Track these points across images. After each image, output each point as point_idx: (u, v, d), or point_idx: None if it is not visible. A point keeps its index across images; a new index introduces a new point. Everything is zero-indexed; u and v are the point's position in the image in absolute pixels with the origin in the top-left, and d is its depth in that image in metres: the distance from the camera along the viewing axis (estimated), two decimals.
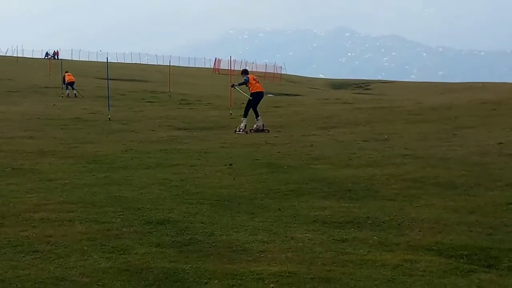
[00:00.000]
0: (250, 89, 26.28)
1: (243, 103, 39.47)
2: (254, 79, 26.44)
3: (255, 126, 25.70)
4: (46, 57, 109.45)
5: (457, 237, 9.07)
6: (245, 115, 25.60)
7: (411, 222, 9.98)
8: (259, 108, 26.10)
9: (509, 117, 25.02)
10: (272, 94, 58.70)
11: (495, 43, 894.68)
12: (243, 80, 26.39)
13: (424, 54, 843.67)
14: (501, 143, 18.53)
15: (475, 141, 19.55)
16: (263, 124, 25.87)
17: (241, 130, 25.19)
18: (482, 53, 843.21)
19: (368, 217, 10.36)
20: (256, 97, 26.02)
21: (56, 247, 8.45)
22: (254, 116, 25.71)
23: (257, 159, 17.01)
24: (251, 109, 25.79)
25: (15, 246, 8.46)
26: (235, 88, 27.35)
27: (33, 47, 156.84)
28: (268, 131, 25.45)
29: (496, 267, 7.83)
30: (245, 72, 27.45)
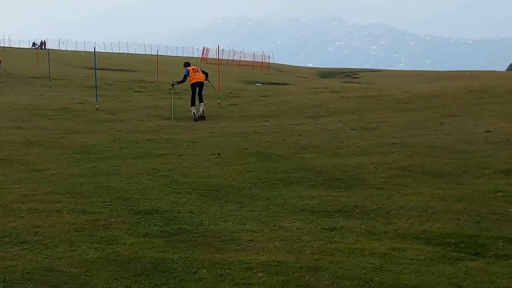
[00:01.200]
0: (189, 81, 27.40)
1: (231, 92, 39.53)
2: (193, 70, 27.52)
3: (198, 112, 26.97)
4: (33, 47, 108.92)
5: (445, 225, 9.11)
6: (192, 104, 27.02)
7: (399, 211, 10.02)
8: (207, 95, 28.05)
9: (496, 105, 25.08)
10: (260, 83, 58.67)
11: (483, 32, 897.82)
12: (183, 76, 27.69)
13: (412, 43, 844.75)
14: (489, 131, 18.60)
15: (463, 129, 19.60)
16: (202, 111, 26.99)
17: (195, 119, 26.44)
18: (470, 41, 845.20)
19: (356, 205, 10.39)
20: (193, 87, 27.17)
21: (44, 238, 8.44)
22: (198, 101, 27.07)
23: (245, 149, 17.02)
24: (196, 96, 27.11)
25: (2, 237, 8.44)
26: (173, 87, 28.98)
27: (19, 36, 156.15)
28: (205, 118, 26.60)
29: (483, 255, 7.87)
30: (185, 65, 28.52)
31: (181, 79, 28.01)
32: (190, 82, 27.34)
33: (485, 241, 8.32)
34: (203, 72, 27.87)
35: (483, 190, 11.29)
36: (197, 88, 27.17)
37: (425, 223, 9.27)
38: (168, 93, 40.17)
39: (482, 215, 9.66)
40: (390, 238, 8.52)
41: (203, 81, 27.48)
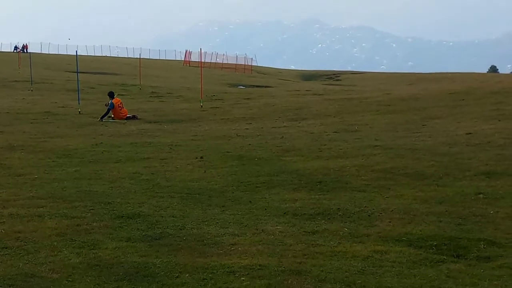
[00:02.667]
0: (113, 116, 27.00)
1: (213, 95, 39.52)
2: (119, 106, 27.26)
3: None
4: (15, 51, 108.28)
5: (427, 227, 9.16)
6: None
7: (381, 213, 10.06)
8: None
9: (477, 107, 25.26)
10: (243, 86, 58.66)
11: (464, 34, 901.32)
12: (107, 110, 27.14)
13: (394, 45, 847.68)
14: (470, 133, 18.71)
15: (444, 131, 19.71)
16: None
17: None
18: (451, 43, 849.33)
19: (338, 208, 10.42)
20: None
21: (25, 243, 8.40)
22: None
23: (228, 152, 17.02)
24: None
25: None
26: (102, 121, 26.69)
27: (1, 40, 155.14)
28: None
29: (465, 257, 7.92)
30: (110, 95, 28.16)
31: (105, 112, 27.20)
32: (113, 117, 26.92)
33: (467, 243, 8.37)
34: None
35: (464, 192, 11.36)
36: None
37: (407, 225, 9.31)
38: (151, 96, 40.13)
39: (463, 217, 9.72)
40: (372, 241, 8.55)
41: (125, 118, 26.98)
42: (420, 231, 8.97)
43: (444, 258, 7.82)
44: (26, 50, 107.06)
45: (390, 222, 9.54)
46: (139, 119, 27.24)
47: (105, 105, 28.11)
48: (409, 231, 8.95)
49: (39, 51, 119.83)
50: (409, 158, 14.93)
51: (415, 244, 8.39)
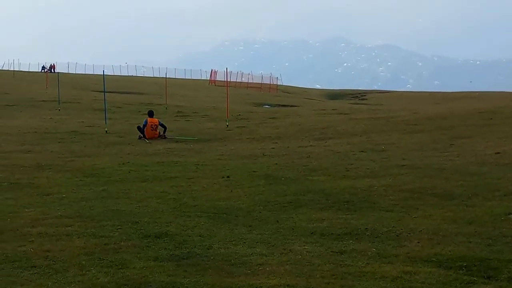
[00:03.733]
0: (146, 132, 27.48)
1: (239, 114, 39.57)
2: (151, 127, 27.71)
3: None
4: (43, 71, 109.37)
5: (456, 248, 9.06)
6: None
7: (409, 233, 9.97)
8: None
9: (505, 126, 25.04)
10: (268, 105, 58.72)
11: (491, 52, 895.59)
12: (143, 125, 27.76)
13: (420, 64, 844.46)
14: (498, 152, 18.54)
15: (472, 151, 19.55)
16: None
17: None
18: (478, 62, 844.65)
19: (366, 228, 10.35)
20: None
21: (54, 262, 8.43)
22: None
23: (254, 171, 17.00)
24: None
25: (13, 262, 8.43)
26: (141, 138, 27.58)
27: (29, 60, 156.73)
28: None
29: (496, 278, 7.81)
30: (149, 114, 28.75)
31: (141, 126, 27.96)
32: (144, 134, 27.37)
33: (497, 264, 8.26)
34: (162, 125, 28.10)
35: (494, 212, 11.24)
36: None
37: (436, 246, 9.21)
38: (177, 116, 40.28)
39: (493, 237, 9.60)
40: (401, 262, 8.47)
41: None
42: (450, 251, 8.86)
43: (474, 279, 7.72)
44: (54, 70, 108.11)
45: (418, 242, 9.45)
46: (166, 138, 27.40)
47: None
48: (438, 252, 8.86)
49: (66, 71, 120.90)
50: (438, 177, 14.82)
51: (445, 265, 8.30)
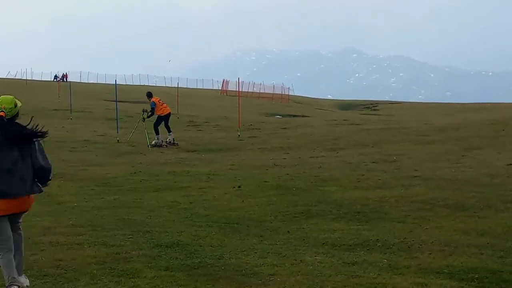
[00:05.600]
0: (158, 112, 28.33)
1: (251, 124, 39.60)
2: (159, 102, 28.48)
3: (167, 140, 28.48)
4: (55, 80, 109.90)
5: (468, 259, 9.01)
6: (157, 133, 28.13)
7: (421, 245, 9.93)
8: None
9: None
10: (280, 116, 58.76)
11: (503, 63, 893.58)
12: (151, 109, 28.41)
13: (432, 75, 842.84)
14: (511, 164, 18.48)
15: (484, 162, 19.49)
16: (173, 139, 28.65)
17: (156, 145, 27.69)
18: (490, 73, 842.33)
19: (377, 239, 10.32)
20: (162, 118, 28.34)
21: (65, 271, 8.45)
22: (167, 132, 28.61)
23: (265, 181, 17.00)
24: (162, 126, 28.27)
25: (25, 270, 8.41)
26: (144, 120, 28.91)
27: (41, 69, 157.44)
28: (178, 145, 28.34)
29: None
30: (149, 95, 29.32)
31: (150, 112, 28.61)
32: (161, 114, 28.30)
33: (509, 276, 8.21)
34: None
35: (506, 224, 11.18)
36: (165, 119, 28.38)
37: (448, 257, 9.18)
38: (188, 125, 40.34)
39: (506, 249, 9.55)
40: (412, 273, 8.44)
41: (170, 111, 28.75)
42: (461, 263, 8.82)
43: None
44: (66, 79, 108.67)
45: (430, 254, 9.41)
46: (178, 147, 27.51)
47: (143, 110, 29.19)
48: (450, 263, 8.82)
49: (78, 80, 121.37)
50: (449, 189, 14.77)
51: (457, 277, 8.26)
